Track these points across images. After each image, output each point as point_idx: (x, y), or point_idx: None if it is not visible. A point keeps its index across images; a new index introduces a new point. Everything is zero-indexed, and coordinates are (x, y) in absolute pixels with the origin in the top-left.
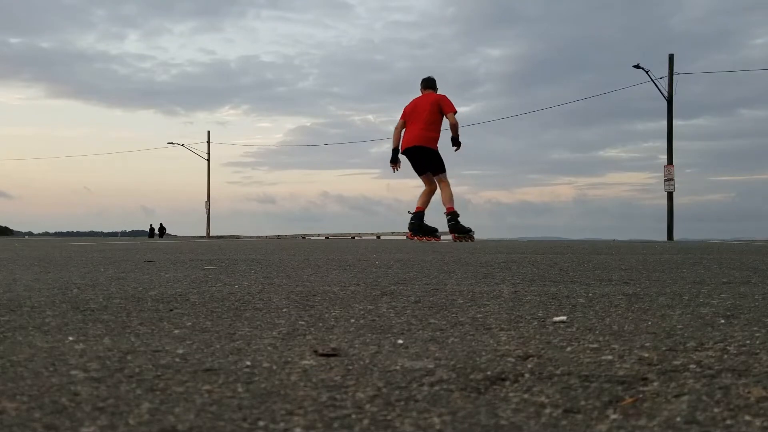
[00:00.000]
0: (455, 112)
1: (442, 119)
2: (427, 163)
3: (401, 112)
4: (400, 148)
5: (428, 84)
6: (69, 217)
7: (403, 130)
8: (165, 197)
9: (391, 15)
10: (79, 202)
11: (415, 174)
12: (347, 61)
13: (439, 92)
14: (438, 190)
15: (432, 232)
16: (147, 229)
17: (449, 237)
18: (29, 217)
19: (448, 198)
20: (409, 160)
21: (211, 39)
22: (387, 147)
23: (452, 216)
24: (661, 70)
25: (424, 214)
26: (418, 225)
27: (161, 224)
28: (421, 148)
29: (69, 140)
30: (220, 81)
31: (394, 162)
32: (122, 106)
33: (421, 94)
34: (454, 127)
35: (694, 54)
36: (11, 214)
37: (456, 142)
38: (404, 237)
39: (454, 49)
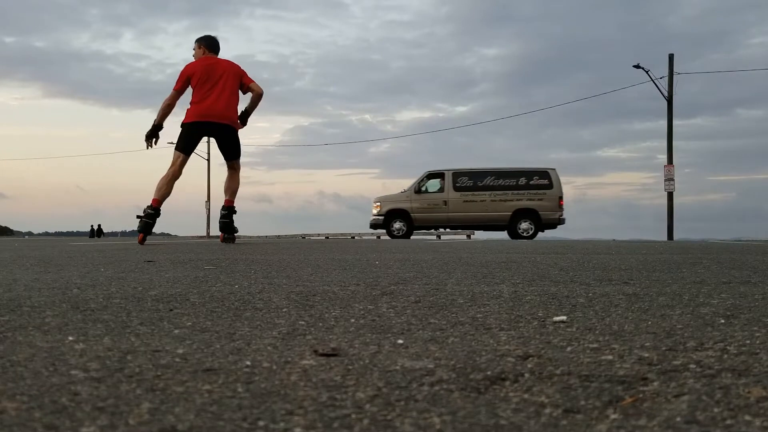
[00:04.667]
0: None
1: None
2: (237, 146)
3: (183, 78)
4: (185, 119)
5: (217, 46)
6: (68, 217)
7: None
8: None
9: (386, 14)
10: (79, 202)
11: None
12: (343, 60)
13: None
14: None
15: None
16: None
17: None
18: (28, 217)
19: (236, 189)
20: (216, 138)
21: None
22: (385, 147)
23: (230, 211)
24: (657, 70)
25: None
26: (232, 222)
27: (99, 225)
28: (232, 128)
29: (66, 140)
30: None
31: (152, 138)
32: (118, 105)
33: (204, 55)
34: (259, 99)
35: (691, 53)
36: (9, 214)
37: (247, 118)
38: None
39: (449, 49)
